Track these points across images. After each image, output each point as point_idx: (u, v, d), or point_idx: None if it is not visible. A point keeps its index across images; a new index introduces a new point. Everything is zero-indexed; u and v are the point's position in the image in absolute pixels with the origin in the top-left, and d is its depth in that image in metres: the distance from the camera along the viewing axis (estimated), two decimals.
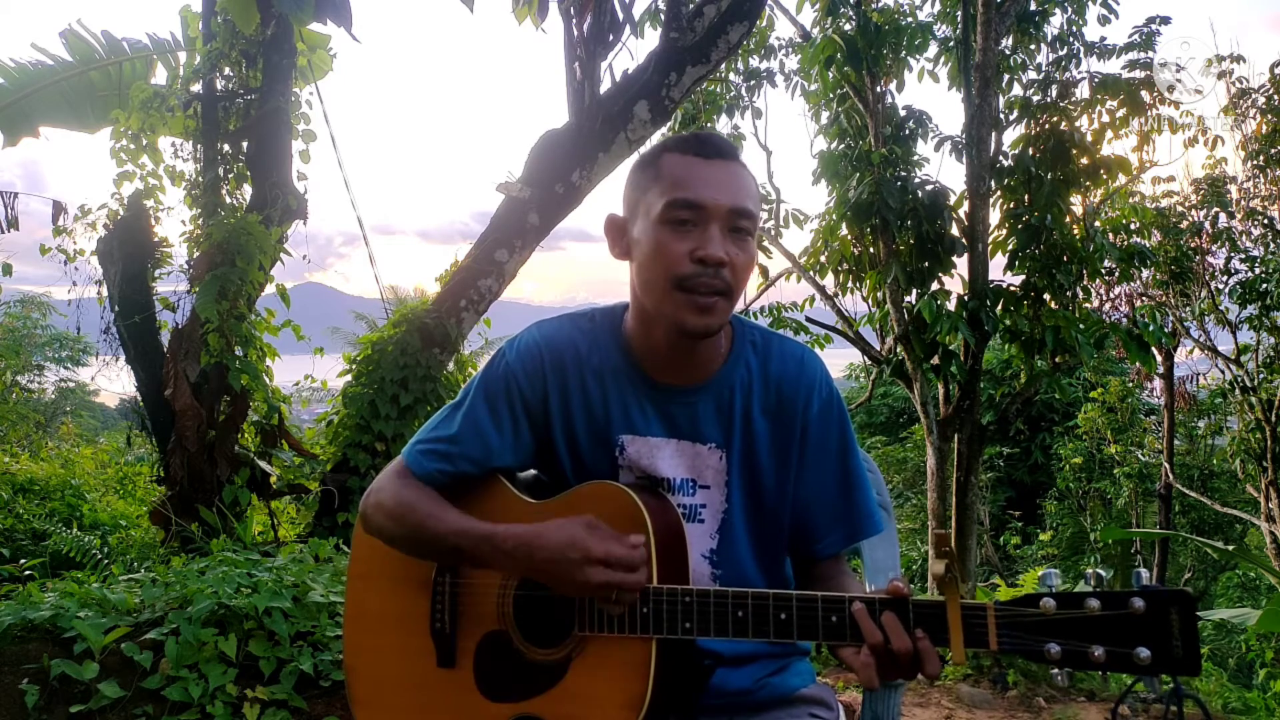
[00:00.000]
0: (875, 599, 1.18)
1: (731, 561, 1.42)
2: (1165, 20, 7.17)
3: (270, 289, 4.93)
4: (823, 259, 7.52)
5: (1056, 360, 6.66)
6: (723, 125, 8.71)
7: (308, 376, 5.35)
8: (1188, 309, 10.82)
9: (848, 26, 7.04)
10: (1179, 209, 10.47)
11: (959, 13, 7.14)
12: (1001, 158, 6.89)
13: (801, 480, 1.42)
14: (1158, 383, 12.59)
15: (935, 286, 6.73)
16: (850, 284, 7.47)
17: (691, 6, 4.86)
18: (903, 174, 6.99)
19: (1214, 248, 10.49)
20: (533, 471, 1.50)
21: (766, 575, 1.46)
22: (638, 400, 1.41)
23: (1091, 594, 1.10)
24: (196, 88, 5.40)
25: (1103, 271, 6.97)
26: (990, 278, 6.73)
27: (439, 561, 1.40)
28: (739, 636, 1.24)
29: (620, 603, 1.25)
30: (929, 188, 6.75)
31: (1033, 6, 7.12)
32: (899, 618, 1.16)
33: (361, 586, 1.50)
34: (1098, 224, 7.11)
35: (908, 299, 6.93)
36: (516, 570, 1.31)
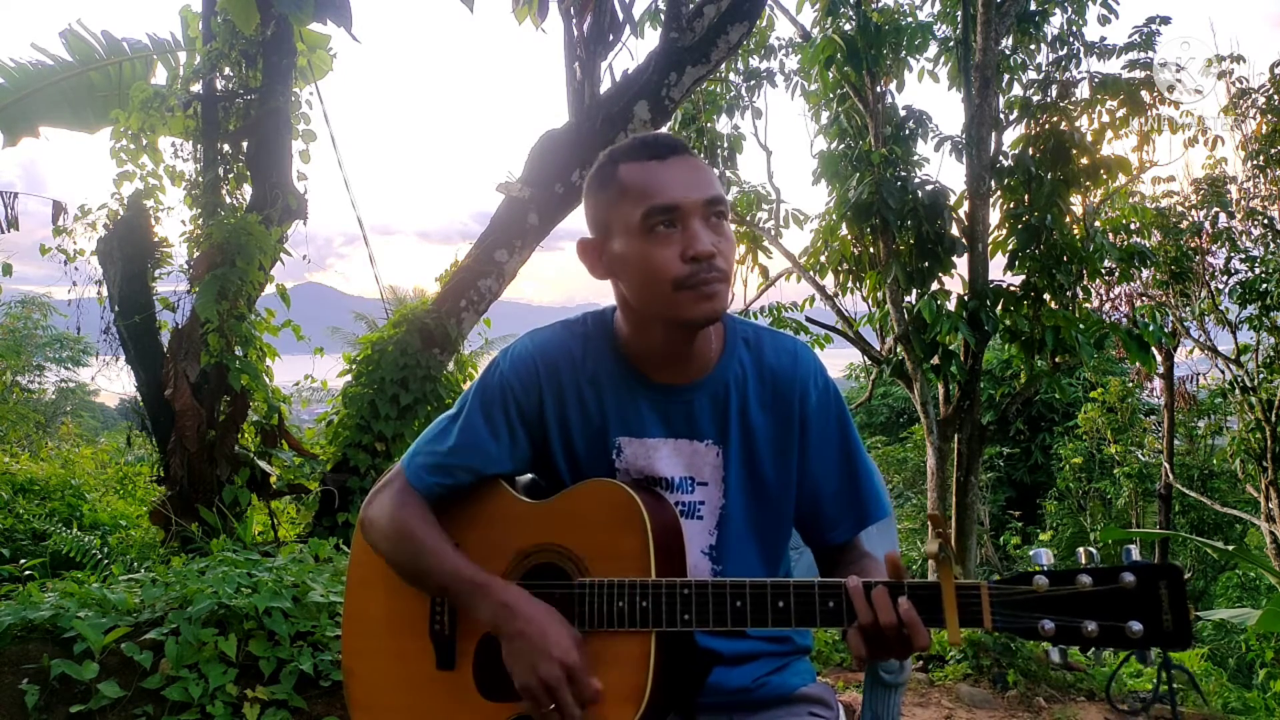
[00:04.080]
0: (870, 580, 1.20)
1: (731, 556, 1.43)
2: (1165, 20, 7.18)
3: (270, 289, 4.93)
4: (823, 259, 7.53)
5: (1056, 360, 6.67)
6: (723, 125, 8.72)
7: (308, 376, 5.35)
8: (1188, 309, 10.83)
9: (848, 26, 7.05)
10: (1179, 209, 10.47)
11: (959, 13, 7.14)
12: (1001, 158, 6.89)
13: (806, 472, 1.44)
14: (1158, 383, 12.60)
15: (935, 286, 6.74)
16: (850, 284, 7.48)
17: (691, 6, 4.86)
18: (903, 174, 7.00)
19: (1214, 248, 10.49)
20: (530, 475, 1.51)
21: (768, 569, 1.47)
22: (634, 401, 1.42)
23: (1083, 570, 1.12)
24: (196, 88, 5.39)
25: (1103, 271, 6.98)
26: (990, 278, 6.74)
27: (422, 591, 1.42)
28: (738, 626, 1.25)
29: (544, 716, 1.26)
30: (929, 188, 6.75)
31: (1033, 6, 7.13)
32: (889, 594, 1.17)
33: (360, 590, 1.51)
34: (1098, 224, 7.12)
35: (908, 299, 6.93)
36: (489, 624, 1.33)
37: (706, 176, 1.34)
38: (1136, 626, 1.08)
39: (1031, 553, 1.22)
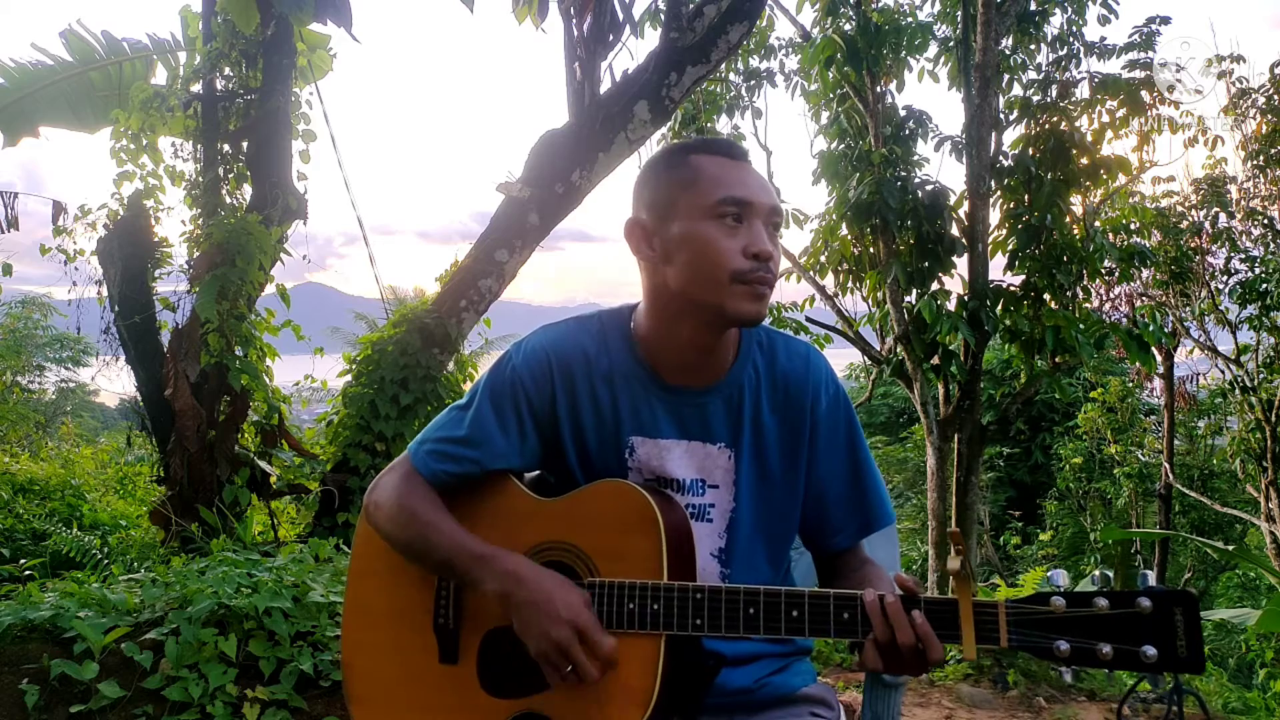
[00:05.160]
0: (886, 594, 1.20)
1: (740, 560, 1.43)
2: (1165, 20, 7.18)
3: (270, 289, 4.94)
4: (823, 259, 7.53)
5: (1056, 360, 6.67)
6: (723, 125, 8.71)
7: (308, 376, 5.35)
8: (1188, 309, 10.82)
9: (848, 26, 7.05)
10: (1179, 209, 10.47)
11: (959, 13, 7.14)
12: (1001, 158, 6.89)
13: (813, 476, 1.44)
14: (1158, 383, 12.60)
15: (935, 286, 6.74)
16: (850, 284, 7.48)
17: (691, 6, 4.86)
18: (903, 174, 7.00)
19: (1214, 248, 10.49)
20: (537, 472, 1.51)
21: (775, 573, 1.47)
22: (648, 402, 1.42)
23: (1099, 593, 1.13)
24: (196, 88, 5.40)
25: (1103, 271, 6.98)
26: (990, 278, 6.74)
27: (430, 571, 1.41)
28: (750, 634, 1.25)
29: (563, 678, 1.25)
30: (929, 188, 6.76)
31: (1033, 6, 7.13)
32: (905, 609, 1.18)
33: (361, 583, 1.50)
34: (1098, 224, 7.11)
35: (908, 299, 6.93)
36: (496, 596, 1.31)
37: (771, 188, 1.39)
38: (1151, 651, 1.09)
39: (1049, 573, 1.24)
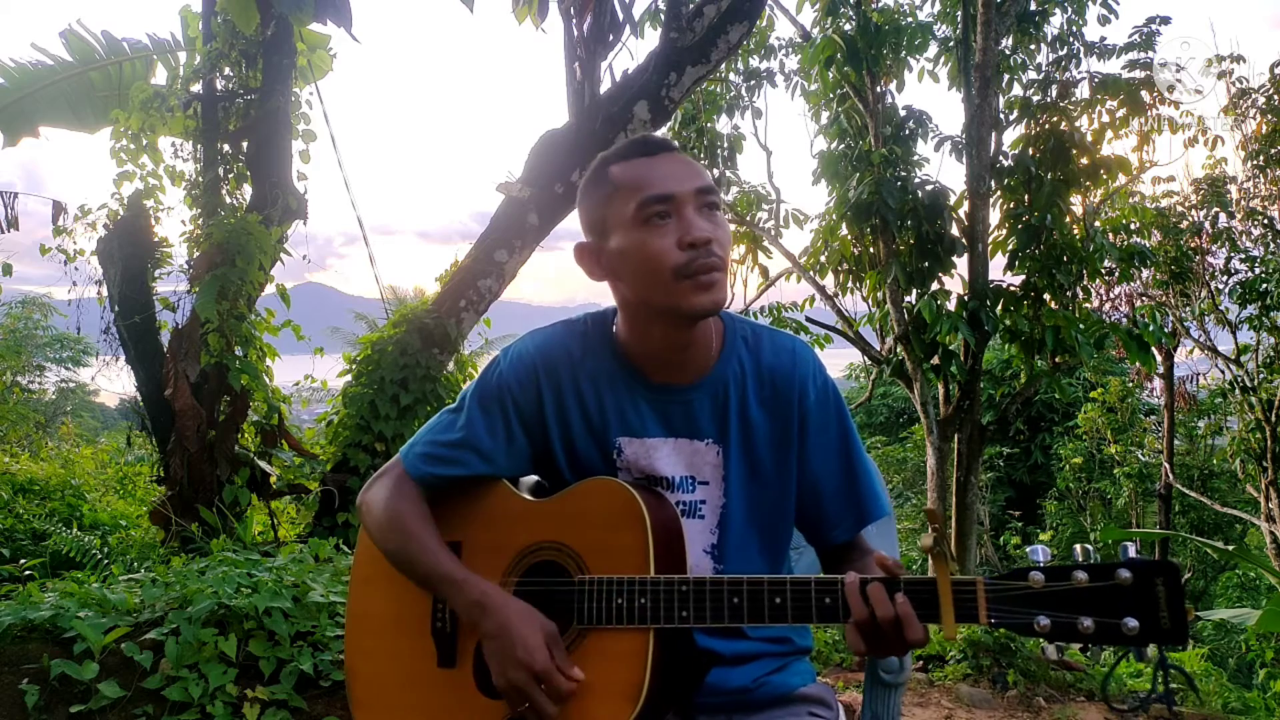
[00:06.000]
0: (866, 576, 1.20)
1: (733, 555, 1.43)
2: (1165, 20, 7.19)
3: (270, 289, 4.94)
4: (823, 259, 7.54)
5: (1056, 360, 6.67)
6: (723, 125, 8.73)
7: (308, 376, 5.35)
8: (1188, 309, 10.84)
9: (848, 26, 7.05)
10: (1179, 209, 10.49)
11: (959, 13, 7.15)
12: (1001, 158, 6.90)
13: (805, 469, 1.44)
14: (1158, 383, 12.61)
15: (935, 286, 6.74)
16: (850, 284, 7.49)
17: (691, 6, 4.86)
18: (903, 174, 7.01)
19: (1214, 248, 10.51)
20: (534, 477, 1.52)
21: (770, 567, 1.47)
22: (633, 402, 1.42)
23: (1079, 566, 1.11)
24: (196, 88, 5.40)
25: (1103, 271, 6.99)
26: (990, 278, 6.75)
27: (409, 579, 1.44)
28: (735, 622, 1.25)
29: (523, 712, 1.29)
30: (929, 188, 6.76)
31: (1033, 6, 7.14)
32: (885, 590, 1.18)
33: (363, 589, 1.51)
34: (1098, 224, 7.12)
35: (908, 299, 6.94)
36: (466, 622, 1.37)
37: (696, 169, 1.36)
38: (1132, 623, 1.07)
39: (1029, 549, 1.23)
